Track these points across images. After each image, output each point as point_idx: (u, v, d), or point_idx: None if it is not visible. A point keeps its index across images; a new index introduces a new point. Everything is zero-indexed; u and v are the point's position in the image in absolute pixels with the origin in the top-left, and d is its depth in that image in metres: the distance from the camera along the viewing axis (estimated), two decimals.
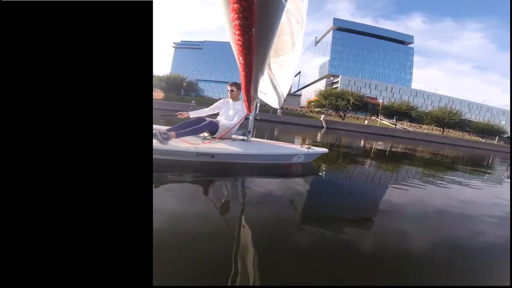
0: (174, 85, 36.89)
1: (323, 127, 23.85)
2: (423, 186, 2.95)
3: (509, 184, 4.02)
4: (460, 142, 26.30)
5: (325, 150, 3.19)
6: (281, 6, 0.48)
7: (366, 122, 30.19)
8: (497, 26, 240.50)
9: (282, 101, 2.82)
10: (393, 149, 8.73)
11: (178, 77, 38.38)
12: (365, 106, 33.25)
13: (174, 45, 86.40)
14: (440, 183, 3.30)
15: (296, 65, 2.05)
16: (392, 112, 35.32)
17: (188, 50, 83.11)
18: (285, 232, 1.31)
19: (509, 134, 50.14)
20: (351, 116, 35.08)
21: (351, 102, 31.03)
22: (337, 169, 3.53)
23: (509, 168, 7.54)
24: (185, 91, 37.31)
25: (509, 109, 66.74)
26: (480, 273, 1.16)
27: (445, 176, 4.01)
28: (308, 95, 60.10)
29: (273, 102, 2.90)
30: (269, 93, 2.64)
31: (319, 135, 12.18)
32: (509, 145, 30.27)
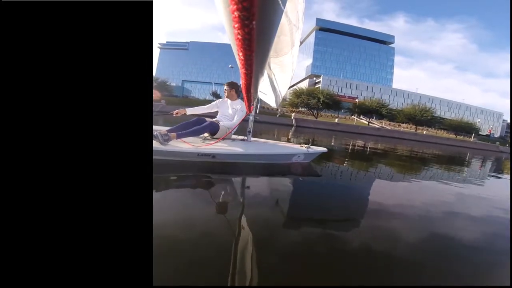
0: None
1: (293, 126, 23.75)
2: (411, 183, 3.05)
3: (509, 183, 4.08)
4: (430, 139, 26.48)
5: (324, 149, 3.18)
6: (280, 7, 0.48)
7: (336, 120, 30.16)
8: (477, 26, 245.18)
9: (280, 101, 2.88)
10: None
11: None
12: (336, 104, 32.98)
13: (159, 45, 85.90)
14: (431, 181, 3.43)
15: (295, 64, 2.04)
16: (363, 109, 35.34)
17: (174, 51, 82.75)
18: (285, 232, 1.32)
19: (485, 132, 51.13)
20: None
21: (321, 100, 30.96)
22: (334, 168, 3.61)
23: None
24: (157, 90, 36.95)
25: (487, 108, 68.06)
26: (480, 273, 1.15)
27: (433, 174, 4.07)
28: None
29: (272, 101, 2.92)
30: (269, 93, 2.64)
31: (289, 134, 11.73)
32: (480, 142, 30.76)
